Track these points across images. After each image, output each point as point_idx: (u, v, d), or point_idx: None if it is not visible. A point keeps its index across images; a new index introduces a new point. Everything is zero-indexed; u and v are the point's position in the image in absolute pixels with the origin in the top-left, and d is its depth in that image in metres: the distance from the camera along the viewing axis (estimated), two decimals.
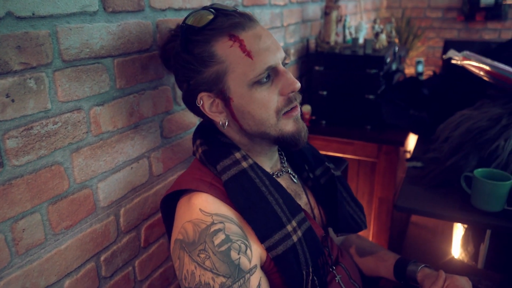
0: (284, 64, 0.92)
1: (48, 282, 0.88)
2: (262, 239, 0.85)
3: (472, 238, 1.69)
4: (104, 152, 0.98)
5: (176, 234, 0.86)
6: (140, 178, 1.11)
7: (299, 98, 0.91)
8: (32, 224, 0.83)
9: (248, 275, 0.82)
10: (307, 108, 2.07)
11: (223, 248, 0.81)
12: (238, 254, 0.82)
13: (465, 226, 1.73)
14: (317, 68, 2.05)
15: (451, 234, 2.20)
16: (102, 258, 1.02)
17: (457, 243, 1.81)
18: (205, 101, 0.90)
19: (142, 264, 1.17)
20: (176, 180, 0.94)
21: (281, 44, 1.86)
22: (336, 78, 2.02)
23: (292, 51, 2.01)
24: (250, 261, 0.83)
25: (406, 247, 2.42)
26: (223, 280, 0.79)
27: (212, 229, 0.82)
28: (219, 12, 0.88)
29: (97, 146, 0.96)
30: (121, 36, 0.97)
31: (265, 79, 0.86)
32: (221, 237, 0.82)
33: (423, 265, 1.07)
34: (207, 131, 0.97)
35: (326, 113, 2.10)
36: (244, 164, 0.90)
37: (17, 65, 0.76)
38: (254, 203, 0.86)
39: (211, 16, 0.86)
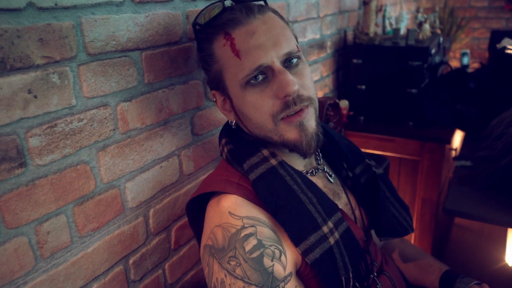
0: (295, 63, 0.81)
1: (75, 286, 0.85)
2: (296, 242, 0.77)
3: None
4: (132, 150, 0.93)
5: (205, 239, 0.80)
6: (170, 178, 1.06)
7: (303, 101, 0.79)
8: (57, 227, 0.79)
9: (283, 283, 0.75)
10: (344, 103, 1.97)
11: (255, 255, 0.74)
12: (272, 260, 0.75)
13: None
14: (355, 61, 1.95)
15: (499, 238, 2.05)
16: (131, 261, 0.98)
17: (511, 249, 1.66)
18: (217, 98, 0.88)
19: (173, 266, 1.12)
20: (202, 182, 0.88)
21: (317, 36, 1.77)
22: (376, 71, 1.91)
23: (328, 43, 1.91)
24: (284, 268, 0.76)
25: (450, 251, 2.28)
26: None
27: (242, 234, 0.75)
28: (227, 5, 0.83)
29: (124, 144, 0.91)
30: (149, 27, 0.92)
31: (256, 80, 0.78)
32: (252, 242, 0.75)
33: (473, 283, 0.97)
34: (232, 129, 0.91)
35: (365, 109, 1.99)
36: (273, 162, 0.83)
37: (39, 59, 0.71)
38: (285, 203, 0.79)
39: (216, 12, 0.81)
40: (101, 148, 0.86)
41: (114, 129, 0.88)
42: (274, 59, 0.77)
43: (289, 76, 0.77)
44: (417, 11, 2.11)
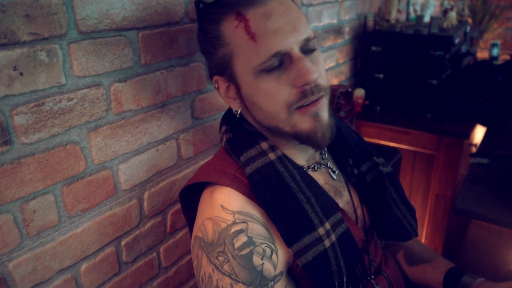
0: (311, 50, 0.76)
1: (62, 265, 0.85)
2: (289, 242, 0.74)
3: None
4: (126, 132, 0.92)
5: (196, 230, 0.78)
6: (166, 161, 1.04)
7: (320, 91, 0.75)
8: (44, 206, 0.79)
9: (272, 282, 0.72)
10: (360, 92, 1.91)
11: (244, 252, 0.72)
12: (262, 259, 0.72)
13: None
14: (374, 48, 1.87)
15: None
16: (123, 243, 0.98)
17: None
18: (220, 85, 0.81)
19: (168, 250, 1.11)
20: (198, 170, 0.86)
21: (334, 20, 1.71)
22: (395, 60, 1.84)
23: (346, 29, 1.84)
24: (275, 267, 0.74)
25: (465, 249, 2.20)
26: (243, 287, 0.70)
27: (232, 230, 0.73)
28: None
29: (118, 125, 0.90)
30: (147, 6, 0.89)
31: (274, 67, 0.72)
32: (242, 239, 0.72)
33: (481, 279, 0.92)
34: (233, 117, 0.87)
35: (382, 98, 1.93)
36: (272, 156, 0.79)
37: (25, 36, 0.70)
38: (281, 200, 0.76)
39: None
40: (92, 129, 0.85)
41: (106, 110, 0.87)
42: (293, 45, 0.72)
43: (309, 64, 0.72)
44: None
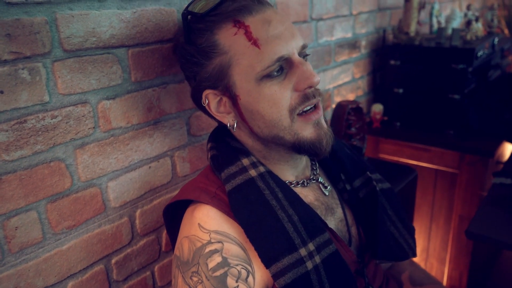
0: (304, 56, 0.76)
1: (47, 282, 0.84)
2: (267, 263, 0.70)
3: None
4: (115, 149, 0.92)
5: (175, 248, 0.77)
6: (160, 179, 1.03)
7: (320, 96, 0.75)
8: (27, 222, 0.79)
9: None
10: (378, 107, 1.84)
11: (217, 273, 0.69)
12: (237, 281, 0.69)
13: None
14: (392, 62, 1.81)
15: None
16: (113, 261, 0.96)
17: None
18: (210, 99, 0.78)
19: (163, 269, 1.09)
20: (181, 188, 0.84)
21: (348, 34, 1.66)
22: (415, 74, 1.76)
23: (363, 43, 1.79)
24: None
25: (496, 277, 2.05)
26: None
27: (207, 250, 0.70)
28: None
29: (106, 142, 0.90)
30: (137, 24, 0.89)
31: (276, 73, 0.72)
32: (216, 259, 0.70)
33: None
34: (219, 134, 0.85)
35: (401, 114, 1.85)
36: (252, 173, 0.76)
37: (6, 55, 0.71)
38: (259, 218, 0.72)
39: (216, 0, 0.73)
40: (78, 146, 0.85)
41: (94, 127, 0.87)
42: (294, 50, 0.73)
43: (310, 67, 0.74)
44: (468, 8, 1.91)
